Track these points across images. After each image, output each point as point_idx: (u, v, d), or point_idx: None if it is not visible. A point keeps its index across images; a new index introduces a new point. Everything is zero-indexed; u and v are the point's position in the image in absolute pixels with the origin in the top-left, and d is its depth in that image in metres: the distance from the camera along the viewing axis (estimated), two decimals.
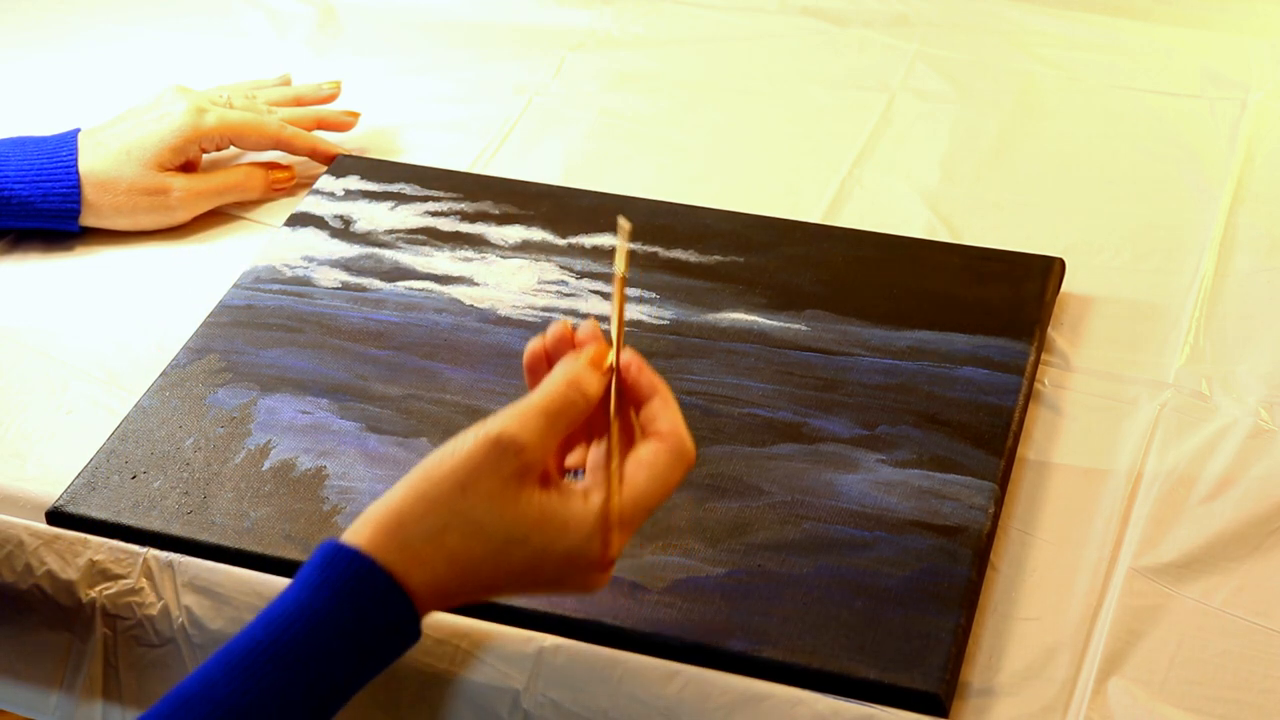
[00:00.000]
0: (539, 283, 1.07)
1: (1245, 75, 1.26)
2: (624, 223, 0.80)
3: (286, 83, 1.25)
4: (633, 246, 1.08)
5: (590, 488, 0.78)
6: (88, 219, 1.13)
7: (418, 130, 1.25)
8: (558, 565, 0.77)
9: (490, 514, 0.75)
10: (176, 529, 0.92)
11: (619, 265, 0.80)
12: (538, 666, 0.85)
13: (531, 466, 0.76)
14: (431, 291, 1.07)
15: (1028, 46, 1.31)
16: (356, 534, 0.75)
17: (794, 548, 0.89)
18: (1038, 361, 0.99)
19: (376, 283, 1.08)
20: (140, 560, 0.92)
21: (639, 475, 0.78)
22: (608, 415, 0.79)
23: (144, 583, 0.91)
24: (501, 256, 1.09)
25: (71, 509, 0.93)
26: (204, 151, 1.16)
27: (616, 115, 1.26)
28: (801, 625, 0.85)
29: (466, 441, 0.76)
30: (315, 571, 0.74)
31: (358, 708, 0.87)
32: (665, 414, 0.79)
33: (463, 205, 1.13)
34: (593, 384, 0.78)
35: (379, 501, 0.76)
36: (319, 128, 1.21)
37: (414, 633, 0.76)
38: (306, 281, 1.08)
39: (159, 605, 0.91)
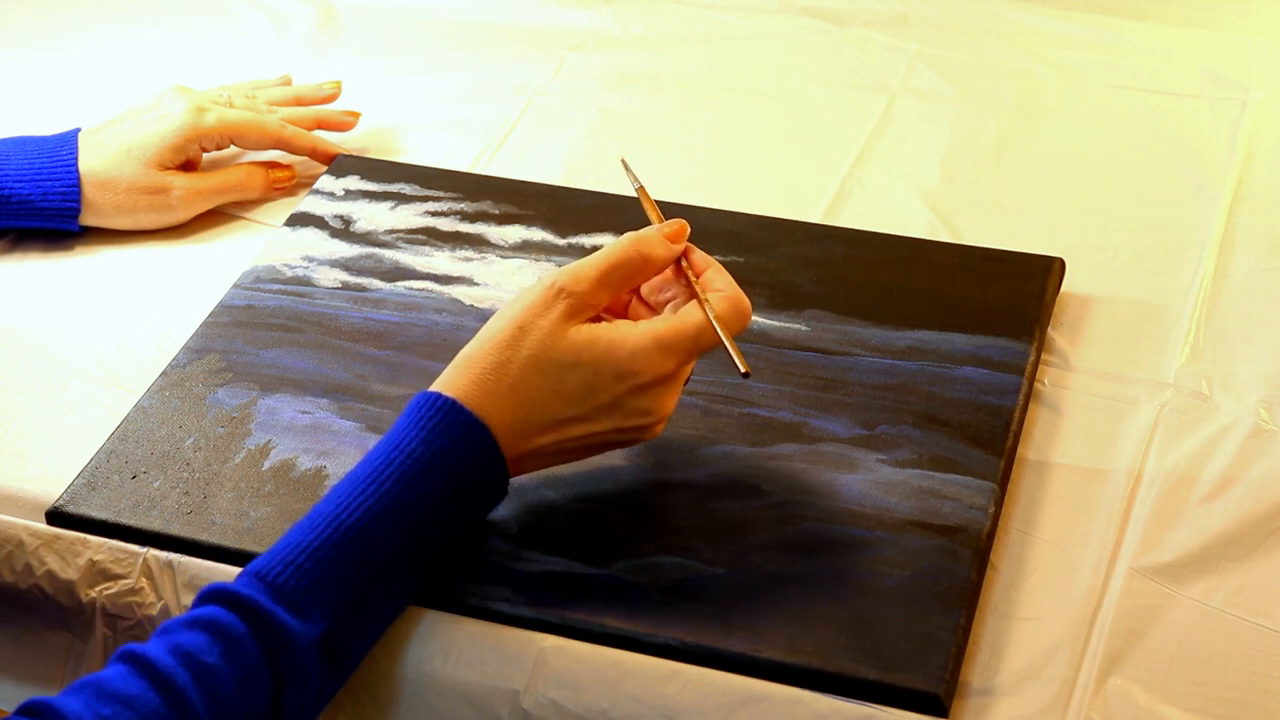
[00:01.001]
0: None
1: (1245, 75, 1.25)
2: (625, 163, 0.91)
3: (287, 83, 1.25)
4: None
5: (641, 317, 0.88)
6: (88, 218, 1.13)
7: (418, 130, 1.25)
8: (612, 386, 0.84)
9: (544, 346, 0.85)
10: (176, 529, 0.92)
11: (634, 181, 0.93)
12: (538, 667, 0.85)
13: (581, 308, 0.85)
14: (431, 291, 1.07)
15: (1028, 46, 1.31)
16: (439, 381, 0.86)
17: (794, 548, 0.89)
18: (1038, 361, 0.99)
19: (376, 283, 1.08)
20: (140, 560, 0.92)
21: (695, 311, 0.86)
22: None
23: (144, 583, 0.91)
24: (501, 256, 1.09)
25: (71, 509, 0.93)
26: (204, 151, 1.16)
27: (616, 115, 1.26)
28: (801, 625, 0.85)
29: (528, 290, 0.86)
30: (404, 417, 0.85)
31: (358, 708, 0.87)
32: (720, 278, 0.88)
33: (463, 205, 1.13)
34: (656, 247, 0.88)
35: (459, 353, 0.87)
36: (319, 127, 1.21)
37: (494, 458, 0.84)
38: (306, 281, 1.08)
39: (159, 605, 0.91)
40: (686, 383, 0.90)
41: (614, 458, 0.94)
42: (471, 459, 0.84)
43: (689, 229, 0.90)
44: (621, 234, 1.09)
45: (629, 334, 0.85)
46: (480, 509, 0.87)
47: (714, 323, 0.85)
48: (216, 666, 0.76)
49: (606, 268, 0.87)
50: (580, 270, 0.86)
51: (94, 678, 0.76)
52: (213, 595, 0.80)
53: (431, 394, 0.85)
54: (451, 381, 0.85)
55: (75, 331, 1.07)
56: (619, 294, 0.88)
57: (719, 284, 0.87)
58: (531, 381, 0.85)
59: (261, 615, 0.78)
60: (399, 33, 1.37)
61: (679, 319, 0.86)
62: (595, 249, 1.08)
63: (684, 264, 0.89)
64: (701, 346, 0.86)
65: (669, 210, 1.11)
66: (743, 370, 0.85)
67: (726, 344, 0.85)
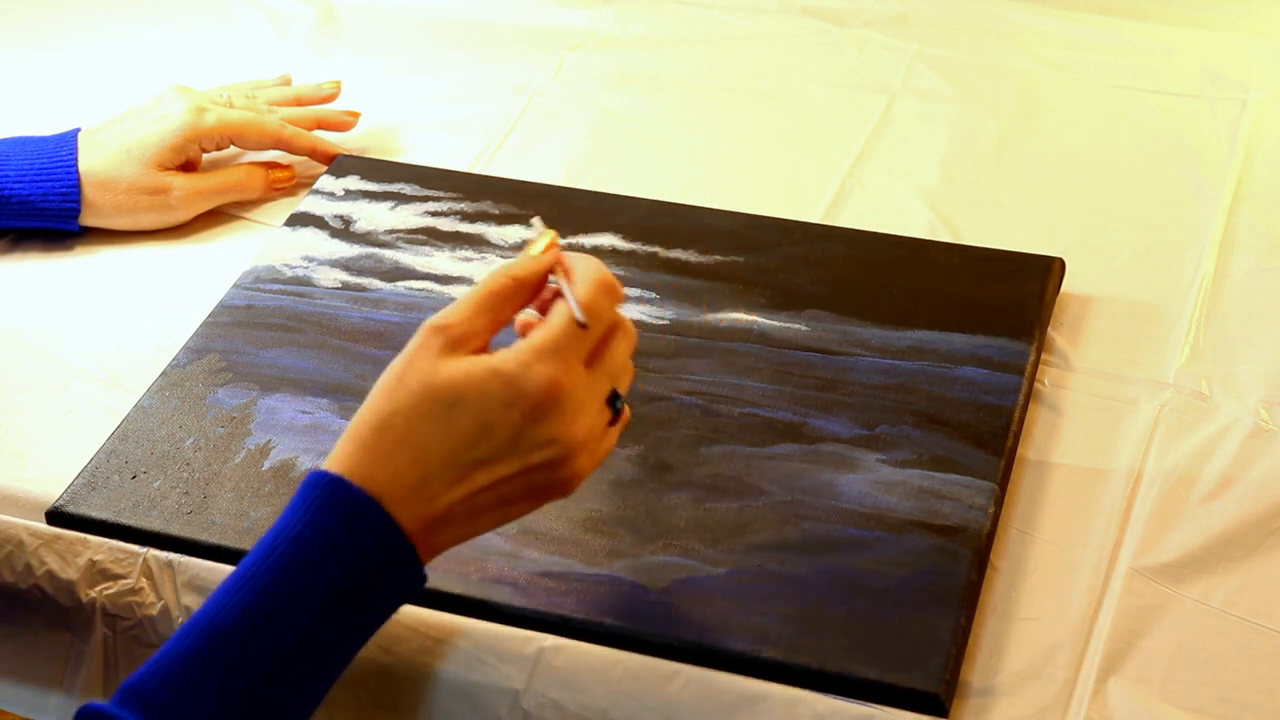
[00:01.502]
0: None
1: (1245, 75, 1.25)
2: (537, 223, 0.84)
3: (286, 83, 1.25)
4: (628, 245, 1.08)
5: (519, 341, 0.79)
6: (87, 218, 1.13)
7: (418, 130, 1.25)
8: (506, 416, 0.77)
9: (424, 388, 0.77)
10: (176, 529, 0.92)
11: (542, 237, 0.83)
12: (538, 666, 0.85)
13: (459, 341, 0.78)
14: (431, 291, 1.07)
15: (1028, 46, 1.31)
16: (329, 458, 0.78)
17: (794, 548, 0.89)
18: (1038, 361, 0.99)
19: (376, 283, 1.08)
20: (140, 560, 0.92)
21: (562, 306, 0.79)
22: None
23: (144, 583, 0.91)
24: (501, 256, 1.09)
25: (71, 509, 0.93)
26: (204, 151, 1.16)
27: (616, 115, 1.26)
28: (801, 625, 0.85)
29: (409, 342, 0.79)
30: (291, 502, 0.77)
31: (358, 708, 0.87)
32: (582, 263, 0.81)
33: (463, 205, 1.13)
34: (522, 265, 0.80)
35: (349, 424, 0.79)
36: (319, 127, 1.21)
37: (391, 535, 0.76)
38: (306, 281, 1.08)
39: (159, 605, 0.91)
40: (618, 414, 0.82)
41: (614, 458, 0.94)
42: (362, 536, 0.75)
43: (558, 241, 0.83)
44: (621, 234, 1.09)
45: (509, 354, 0.78)
46: (385, 598, 0.77)
47: (563, 286, 0.79)
48: None
49: (478, 295, 0.79)
50: (453, 305, 0.79)
51: None
52: (87, 716, 0.74)
53: (317, 473, 0.77)
54: (338, 455, 0.78)
55: (75, 331, 1.07)
56: (499, 321, 0.80)
57: (580, 268, 0.81)
58: (419, 431, 0.77)
59: None
60: (399, 33, 1.37)
61: (549, 318, 0.79)
62: (595, 249, 1.08)
63: (559, 274, 0.81)
64: (580, 338, 0.79)
65: (669, 210, 1.12)
66: (580, 320, 0.78)
67: (568, 296, 0.79)
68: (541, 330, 0.79)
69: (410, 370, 0.78)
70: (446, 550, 0.80)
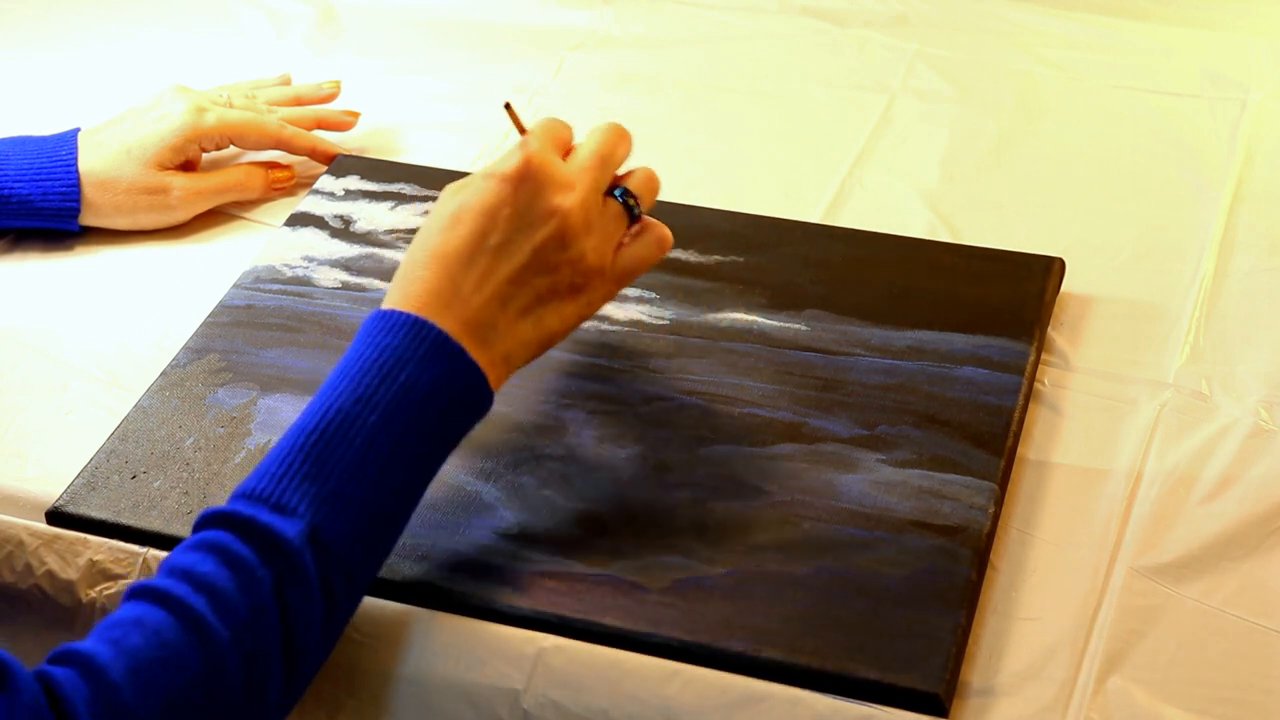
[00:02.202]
0: None
1: (1245, 75, 1.25)
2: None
3: (286, 82, 1.25)
4: None
5: None
6: (87, 218, 1.13)
7: (418, 130, 1.25)
8: (502, 202, 0.87)
9: (434, 218, 0.88)
10: (176, 529, 0.92)
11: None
12: (538, 667, 0.85)
13: (457, 186, 0.89)
14: None
15: (1028, 46, 1.31)
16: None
17: (794, 548, 0.89)
18: (1038, 361, 0.99)
19: (376, 283, 1.08)
20: (140, 560, 0.92)
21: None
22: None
23: None
24: None
25: (71, 509, 0.93)
26: (204, 151, 1.16)
27: (616, 115, 1.24)
28: (801, 625, 0.85)
29: None
30: (355, 340, 0.86)
31: (358, 707, 0.87)
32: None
33: None
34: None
35: None
36: (319, 127, 1.21)
37: (438, 340, 0.85)
38: (306, 281, 1.08)
39: None
40: (632, 213, 0.91)
41: (614, 458, 0.94)
42: (418, 345, 0.85)
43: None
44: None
45: (490, 163, 0.89)
46: (449, 394, 0.85)
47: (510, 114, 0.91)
48: (213, 573, 0.78)
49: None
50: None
51: (105, 619, 0.79)
52: (202, 521, 0.82)
53: (373, 311, 0.87)
54: (387, 298, 0.88)
55: (75, 331, 1.07)
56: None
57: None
58: (436, 245, 0.87)
59: (245, 522, 0.80)
60: (399, 33, 1.37)
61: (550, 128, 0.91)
62: None
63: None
64: (546, 130, 0.90)
65: (669, 210, 1.11)
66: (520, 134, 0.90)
67: (512, 119, 0.91)
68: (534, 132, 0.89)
69: (427, 219, 0.89)
70: (510, 366, 0.88)
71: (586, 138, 0.92)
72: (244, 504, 0.81)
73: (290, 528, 0.80)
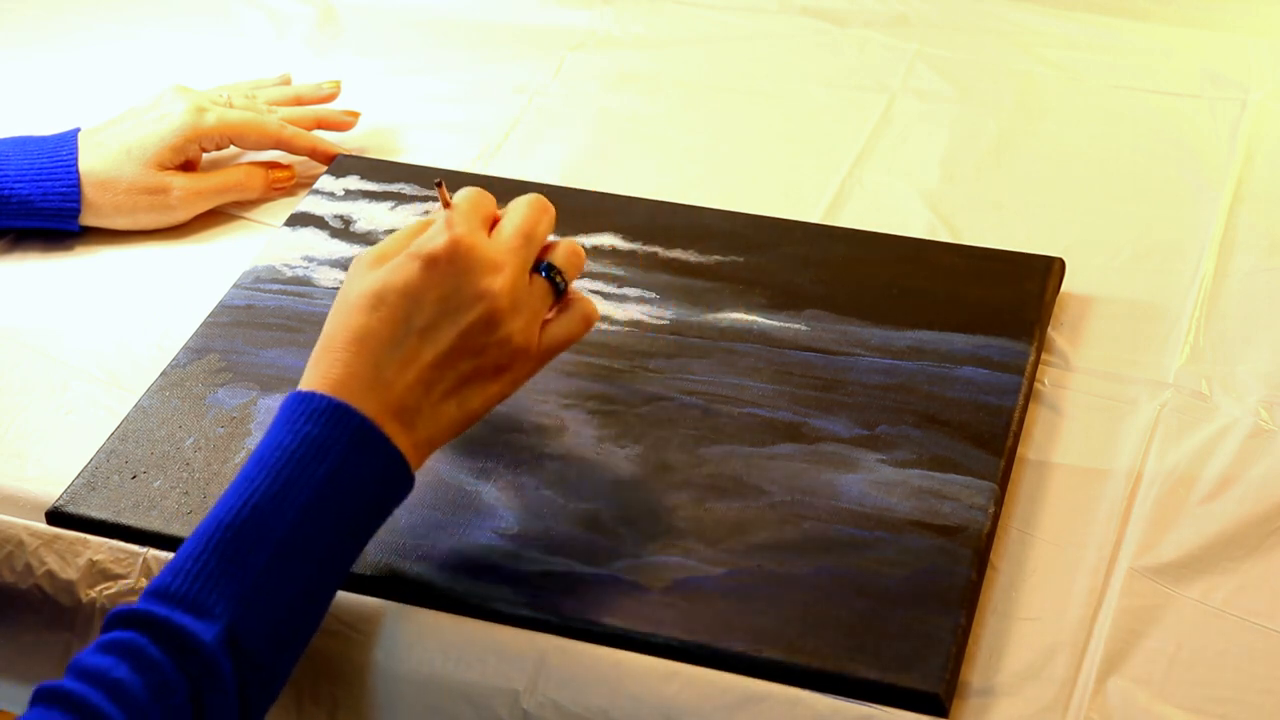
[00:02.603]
0: None
1: (1245, 75, 1.25)
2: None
3: (286, 82, 1.25)
4: (628, 245, 1.08)
5: None
6: (87, 218, 1.13)
7: (418, 130, 1.25)
8: (428, 285, 0.84)
9: (357, 296, 0.85)
10: (176, 529, 0.92)
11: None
12: (538, 667, 0.85)
13: (379, 257, 0.87)
14: None
15: (1028, 46, 1.31)
16: (298, 385, 0.86)
17: (794, 548, 0.89)
18: (1038, 361, 0.99)
19: None
20: (140, 560, 0.92)
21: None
22: None
23: (144, 583, 0.91)
24: None
25: (71, 509, 0.93)
26: (204, 151, 1.16)
27: (616, 115, 1.26)
28: (801, 625, 0.85)
29: None
30: (274, 422, 0.84)
31: (357, 707, 0.87)
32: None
33: None
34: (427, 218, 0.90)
35: None
36: (319, 127, 1.21)
37: (361, 427, 0.82)
38: (306, 281, 1.08)
39: None
40: (559, 290, 0.89)
41: (613, 457, 0.94)
42: (338, 433, 0.82)
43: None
44: (621, 234, 1.09)
45: (414, 243, 0.86)
46: (370, 484, 0.83)
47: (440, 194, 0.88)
48: (126, 679, 0.76)
49: (396, 233, 0.89)
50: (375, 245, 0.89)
51: None
52: (113, 620, 0.79)
53: (292, 394, 0.84)
54: (306, 379, 0.85)
55: (75, 331, 1.07)
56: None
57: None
58: (359, 328, 0.84)
59: (161, 624, 0.78)
60: (399, 33, 1.37)
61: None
62: (595, 249, 1.08)
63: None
64: (471, 205, 0.87)
65: (669, 210, 1.12)
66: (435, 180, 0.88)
67: (440, 195, 0.88)
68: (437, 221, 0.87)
69: (342, 294, 0.86)
70: (431, 448, 0.85)
71: (508, 212, 0.89)
72: (158, 604, 0.78)
73: (206, 631, 0.78)
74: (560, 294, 0.89)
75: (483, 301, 0.85)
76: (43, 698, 0.77)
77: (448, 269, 0.85)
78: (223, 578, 0.79)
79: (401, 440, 0.83)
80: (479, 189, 0.89)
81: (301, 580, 0.81)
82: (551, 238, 0.90)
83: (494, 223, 0.89)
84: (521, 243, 0.87)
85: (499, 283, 0.85)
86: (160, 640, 0.77)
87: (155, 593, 0.79)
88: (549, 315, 0.89)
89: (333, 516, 0.82)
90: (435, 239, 0.85)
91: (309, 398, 0.83)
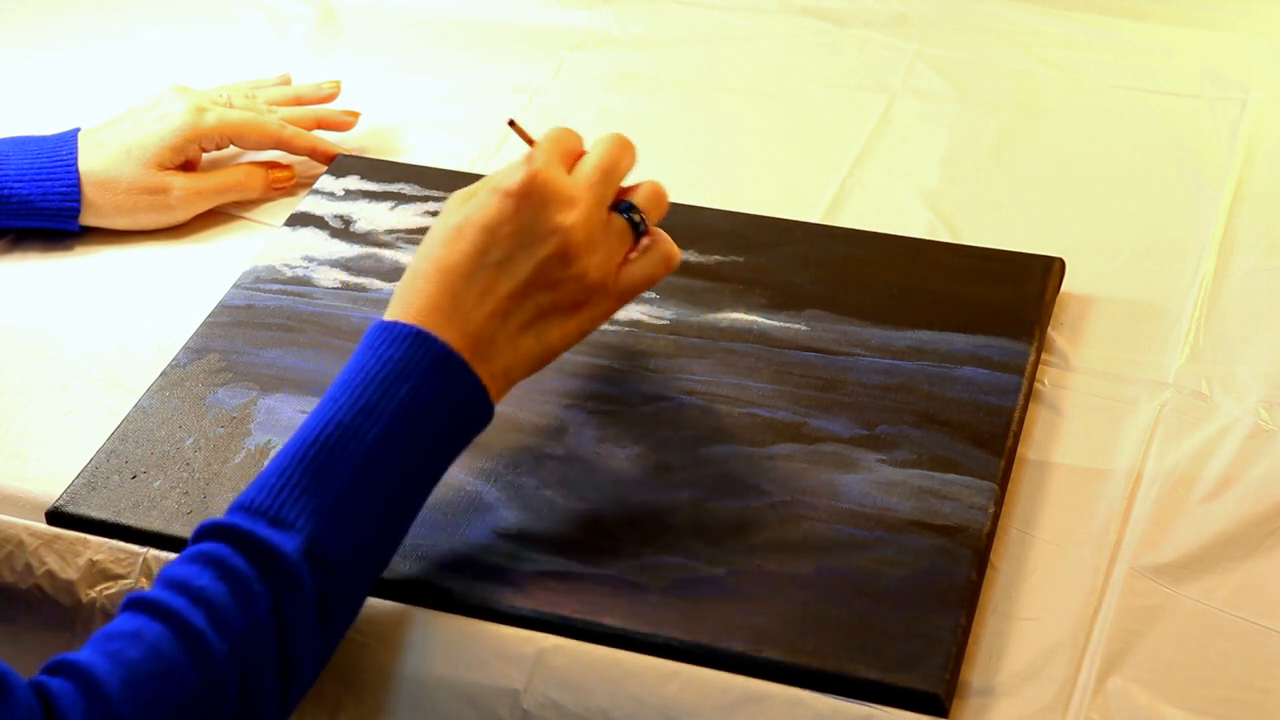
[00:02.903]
0: None
1: (1245, 75, 1.25)
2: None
3: (286, 82, 1.25)
4: None
5: None
6: (87, 218, 1.13)
7: (418, 130, 1.25)
8: (504, 219, 0.86)
9: (439, 229, 0.88)
10: (176, 529, 0.92)
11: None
12: (538, 667, 0.85)
13: (464, 196, 0.89)
14: None
15: (1028, 46, 1.31)
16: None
17: (794, 548, 0.89)
18: (1038, 361, 0.99)
19: (376, 283, 1.08)
20: (140, 560, 0.92)
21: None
22: None
23: (144, 583, 0.91)
24: None
25: (71, 509, 0.93)
26: (204, 151, 1.16)
27: (616, 115, 1.26)
28: (801, 625, 0.85)
29: None
30: (357, 350, 0.86)
31: (357, 707, 0.87)
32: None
33: None
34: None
35: None
36: (319, 127, 1.21)
37: (441, 353, 0.84)
38: (306, 281, 1.08)
39: None
40: (638, 228, 0.90)
41: (613, 458, 0.94)
42: (420, 358, 0.84)
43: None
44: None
45: (495, 175, 0.89)
46: (450, 408, 0.85)
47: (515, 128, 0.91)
48: (210, 588, 0.78)
49: (491, 175, 0.90)
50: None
51: (101, 630, 0.79)
52: (200, 534, 0.82)
53: (375, 323, 0.87)
54: (389, 310, 0.87)
55: (75, 331, 1.07)
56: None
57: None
58: (439, 258, 0.86)
59: (243, 535, 0.80)
60: (399, 33, 1.37)
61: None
62: None
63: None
64: (552, 141, 0.89)
65: (669, 210, 1.11)
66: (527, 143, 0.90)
67: (518, 133, 0.91)
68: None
69: (432, 229, 0.88)
70: (510, 379, 0.88)
71: (590, 150, 0.91)
72: (242, 517, 0.81)
73: (288, 542, 0.80)
74: (640, 234, 0.91)
75: (557, 235, 0.87)
76: (131, 605, 0.79)
77: (523, 203, 0.86)
78: (305, 493, 0.81)
79: (480, 369, 0.86)
80: (565, 127, 0.91)
81: (381, 498, 0.83)
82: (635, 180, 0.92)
83: (576, 159, 0.91)
84: (599, 179, 0.89)
85: (574, 217, 0.87)
86: (245, 551, 0.80)
87: (241, 507, 0.82)
88: (629, 255, 0.90)
89: (413, 437, 0.83)
90: (514, 174, 0.87)
91: (391, 326, 0.85)
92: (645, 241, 0.91)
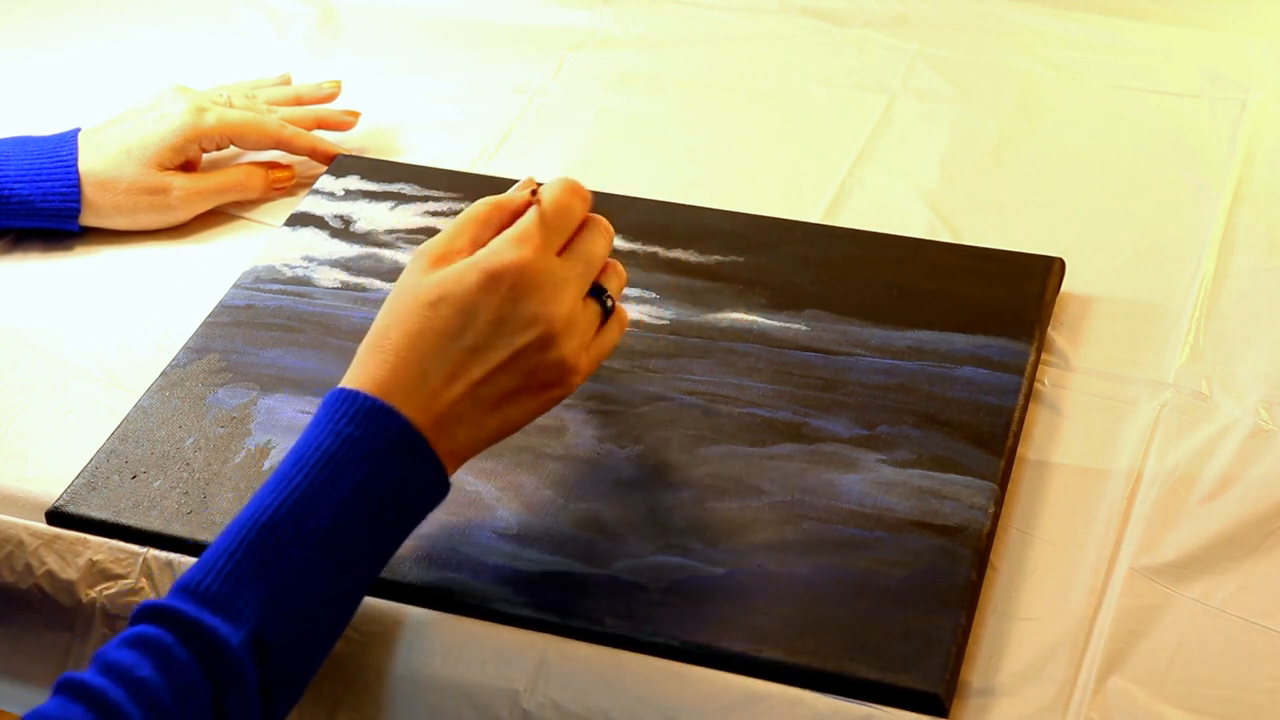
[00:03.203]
0: None
1: (1245, 75, 1.25)
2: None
3: (286, 82, 1.25)
4: (628, 245, 1.08)
5: None
6: (88, 218, 1.13)
7: (418, 130, 1.25)
8: (485, 300, 0.83)
9: (411, 297, 0.84)
10: (176, 529, 0.92)
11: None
12: (538, 667, 0.85)
13: (440, 257, 0.85)
14: None
15: (1028, 46, 1.31)
16: (344, 380, 0.85)
17: (794, 548, 0.89)
18: (1038, 361, 0.99)
19: (376, 283, 1.08)
20: (140, 560, 0.92)
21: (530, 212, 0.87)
22: None
23: (144, 583, 0.91)
24: None
25: (71, 509, 0.93)
26: (204, 151, 1.16)
27: (616, 115, 1.26)
28: (801, 625, 0.85)
29: None
30: (315, 418, 0.83)
31: (357, 707, 0.87)
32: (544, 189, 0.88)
33: (462, 205, 1.13)
34: (502, 195, 0.88)
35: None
36: (319, 127, 1.21)
37: (404, 432, 0.82)
38: (306, 281, 1.08)
39: None
40: (608, 310, 0.88)
41: (613, 458, 0.94)
42: (380, 436, 0.81)
43: (537, 183, 0.88)
44: (621, 234, 1.10)
45: (483, 249, 0.85)
46: (407, 489, 0.82)
47: (536, 200, 0.86)
48: (150, 679, 0.76)
49: (459, 220, 0.87)
50: (437, 234, 0.87)
51: (32, 712, 0.75)
52: (141, 614, 0.79)
53: (336, 391, 0.83)
54: (349, 375, 0.84)
55: (75, 331, 1.07)
56: (478, 242, 0.86)
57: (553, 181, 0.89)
58: (411, 332, 0.83)
59: (188, 623, 0.77)
60: (399, 33, 1.37)
61: (521, 219, 0.86)
62: None
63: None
64: (547, 225, 0.85)
65: (669, 210, 1.11)
66: (539, 203, 0.86)
67: (533, 197, 0.86)
68: (511, 227, 0.86)
69: (399, 289, 0.85)
70: (467, 456, 0.85)
71: (579, 235, 0.88)
72: (186, 602, 0.78)
73: (234, 635, 0.77)
74: (607, 315, 0.89)
75: (540, 325, 0.84)
76: (65, 688, 0.76)
77: (510, 293, 0.83)
78: (253, 579, 0.79)
79: (440, 447, 0.83)
80: (575, 185, 0.88)
81: (330, 584, 0.80)
82: None
83: (576, 230, 0.88)
84: (584, 269, 0.87)
85: (558, 308, 0.84)
86: (187, 640, 0.77)
87: (185, 589, 0.79)
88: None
89: (367, 521, 0.81)
90: (504, 254, 0.84)
91: (352, 396, 0.82)
92: (610, 324, 0.90)
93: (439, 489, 0.84)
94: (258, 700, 0.78)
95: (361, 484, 0.81)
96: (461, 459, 0.85)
